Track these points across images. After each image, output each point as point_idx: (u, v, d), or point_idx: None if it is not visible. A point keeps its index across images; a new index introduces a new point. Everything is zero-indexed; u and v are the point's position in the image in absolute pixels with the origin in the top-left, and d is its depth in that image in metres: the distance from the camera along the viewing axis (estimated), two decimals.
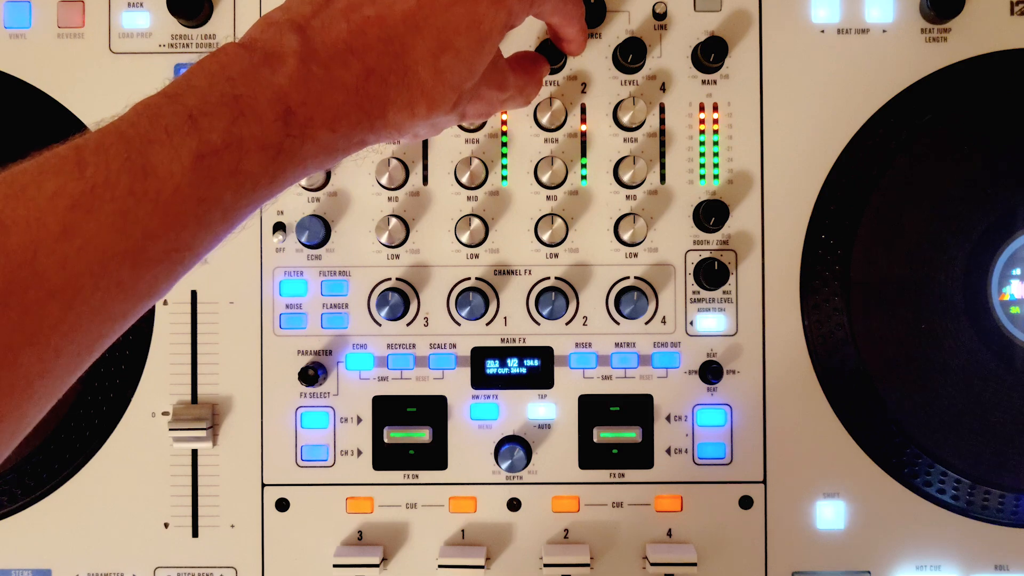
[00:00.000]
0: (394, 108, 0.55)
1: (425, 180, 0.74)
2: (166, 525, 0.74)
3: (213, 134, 0.48)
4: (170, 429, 0.73)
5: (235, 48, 0.52)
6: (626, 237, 0.73)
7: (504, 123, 0.74)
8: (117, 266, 0.45)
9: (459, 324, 0.74)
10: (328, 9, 0.54)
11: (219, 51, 0.52)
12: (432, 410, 0.74)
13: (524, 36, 0.74)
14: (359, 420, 0.74)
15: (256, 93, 0.50)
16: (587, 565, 0.72)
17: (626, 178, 0.73)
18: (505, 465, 0.73)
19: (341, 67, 0.53)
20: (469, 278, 0.74)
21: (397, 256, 0.74)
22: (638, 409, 0.74)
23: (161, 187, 0.46)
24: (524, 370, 0.74)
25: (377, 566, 0.72)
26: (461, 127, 0.74)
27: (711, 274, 0.72)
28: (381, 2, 0.55)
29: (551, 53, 0.72)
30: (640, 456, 0.74)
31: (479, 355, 0.74)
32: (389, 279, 0.74)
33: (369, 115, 0.54)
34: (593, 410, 0.74)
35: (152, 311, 0.74)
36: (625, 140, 0.74)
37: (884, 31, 0.74)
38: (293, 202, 0.74)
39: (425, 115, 0.56)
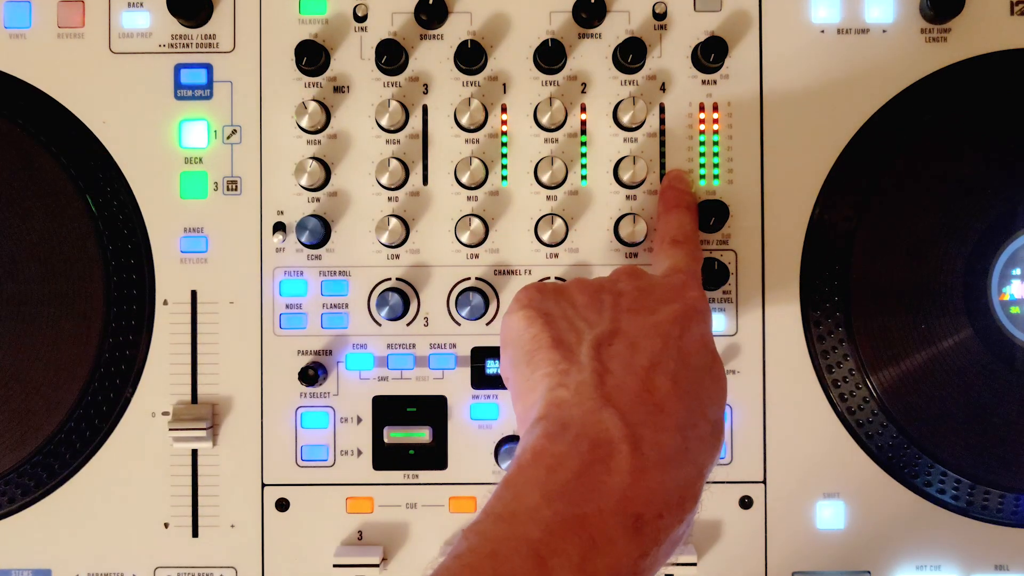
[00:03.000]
0: (709, 454, 0.52)
1: (425, 180, 0.74)
2: (166, 525, 0.74)
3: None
4: (170, 429, 0.73)
5: (551, 440, 0.47)
6: (626, 237, 0.73)
7: (504, 123, 0.74)
8: None
9: (459, 324, 0.74)
10: (613, 368, 0.52)
11: (537, 443, 0.47)
12: (432, 410, 0.74)
13: (525, 39, 0.74)
14: (359, 420, 0.74)
15: (600, 507, 0.45)
16: None
17: (626, 178, 0.73)
18: (506, 465, 0.73)
19: (663, 431, 0.49)
20: (469, 278, 0.74)
21: (397, 256, 0.74)
22: None
23: None
24: None
25: (377, 566, 0.72)
26: (460, 126, 0.74)
27: (711, 274, 0.72)
28: (659, 347, 0.54)
29: (552, 53, 0.72)
30: None
31: (479, 355, 0.74)
32: (389, 279, 0.74)
33: (701, 473, 0.51)
34: None
35: (152, 311, 0.74)
36: (625, 140, 0.74)
37: (884, 31, 0.74)
38: (293, 202, 0.74)
39: (720, 449, 0.54)
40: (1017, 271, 0.72)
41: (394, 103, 0.73)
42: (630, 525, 0.45)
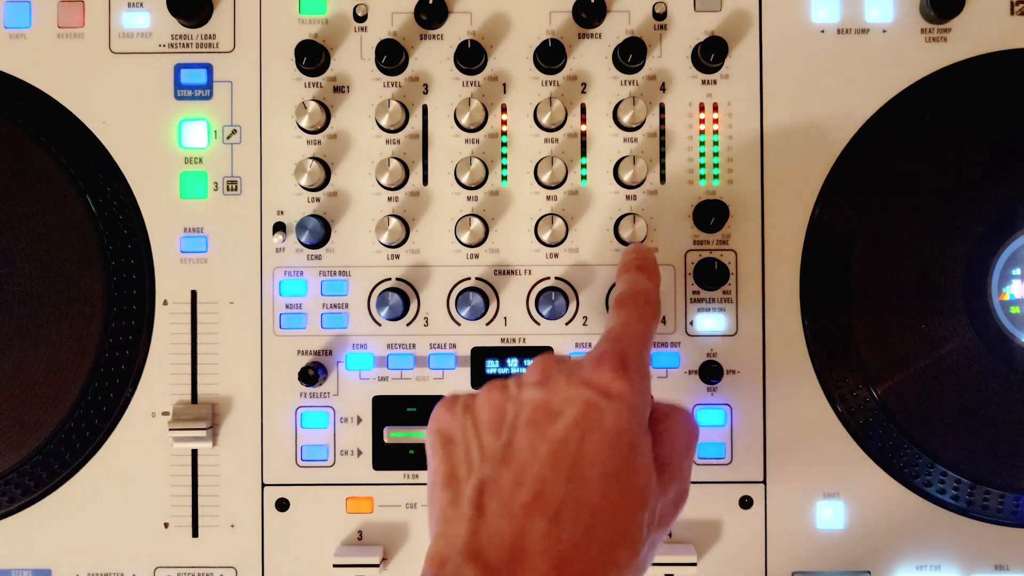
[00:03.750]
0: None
1: (425, 180, 0.74)
2: (166, 525, 0.74)
3: None
4: (170, 429, 0.73)
5: None
6: (626, 237, 0.73)
7: (504, 123, 0.74)
8: None
9: (459, 324, 0.74)
10: (490, 513, 0.51)
11: None
12: (432, 410, 0.74)
13: (525, 39, 0.74)
14: (359, 420, 0.74)
15: None
16: None
17: (626, 178, 0.73)
18: None
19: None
20: (469, 278, 0.74)
21: (397, 256, 0.74)
22: None
23: None
24: (524, 370, 0.74)
25: (377, 566, 0.72)
26: (460, 126, 0.74)
27: (711, 274, 0.72)
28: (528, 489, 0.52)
29: (552, 54, 0.72)
30: None
31: (479, 355, 0.74)
32: (389, 279, 0.74)
33: None
34: None
35: (152, 311, 0.74)
36: (625, 140, 0.74)
37: (884, 31, 0.74)
38: (293, 202, 0.74)
39: (631, 561, 0.53)
40: (1017, 271, 0.72)
41: (394, 103, 0.73)
42: None
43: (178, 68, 0.74)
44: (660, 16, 0.74)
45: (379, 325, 0.74)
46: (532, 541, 0.50)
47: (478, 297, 0.73)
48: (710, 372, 0.73)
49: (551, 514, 0.51)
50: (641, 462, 0.54)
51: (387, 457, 0.74)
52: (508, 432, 0.55)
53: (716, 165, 0.74)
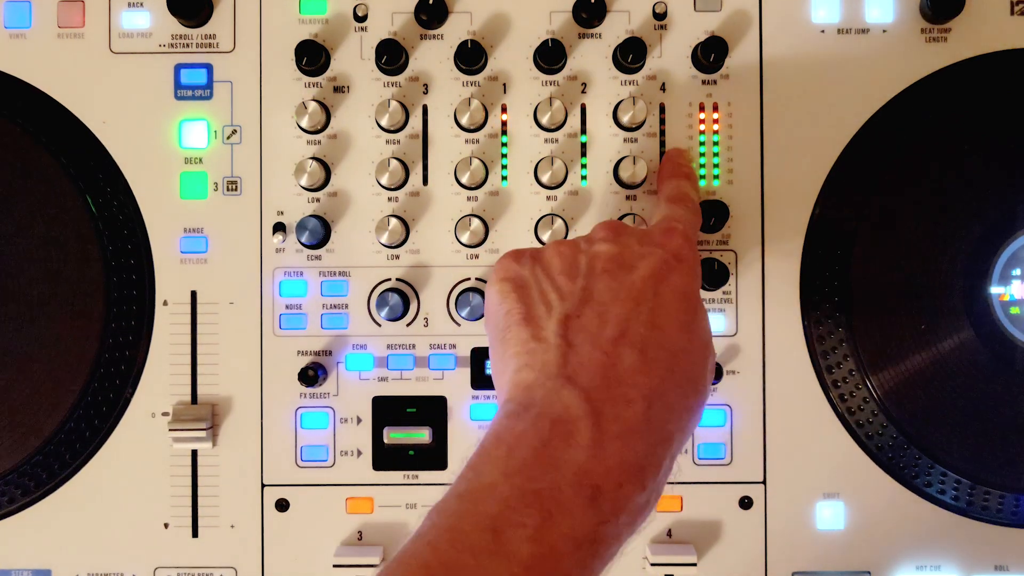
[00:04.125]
0: (678, 420, 0.52)
1: (425, 180, 0.74)
2: (166, 525, 0.74)
3: (522, 547, 0.43)
4: (170, 429, 0.73)
5: (514, 419, 0.48)
6: None
7: (504, 123, 0.74)
8: None
9: (459, 324, 0.74)
10: (578, 344, 0.52)
11: (500, 424, 0.49)
12: (432, 410, 0.74)
13: (525, 39, 0.74)
14: (359, 420, 0.74)
15: (557, 482, 0.46)
16: None
17: (626, 178, 0.73)
18: None
19: (625, 404, 0.50)
20: (469, 278, 0.74)
21: (397, 256, 0.74)
22: None
23: None
24: None
25: (377, 566, 0.72)
26: (460, 126, 0.74)
27: (711, 274, 0.72)
28: (615, 313, 0.53)
29: (554, 54, 0.72)
30: None
31: (479, 355, 0.74)
32: (389, 279, 0.74)
33: (667, 440, 0.51)
34: None
35: (152, 311, 0.74)
36: (625, 140, 0.74)
37: (884, 31, 0.74)
38: (293, 202, 0.74)
39: (698, 408, 0.54)
40: (1017, 271, 0.72)
41: (394, 103, 0.73)
42: (587, 495, 0.46)
43: (178, 68, 0.74)
44: (660, 16, 0.74)
45: (379, 325, 0.74)
46: (623, 370, 0.51)
47: (478, 297, 0.73)
48: None
49: (640, 345, 0.52)
50: (703, 319, 0.57)
51: (387, 457, 0.74)
52: (584, 278, 0.56)
53: (716, 165, 0.74)
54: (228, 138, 0.74)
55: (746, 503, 0.74)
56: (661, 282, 0.56)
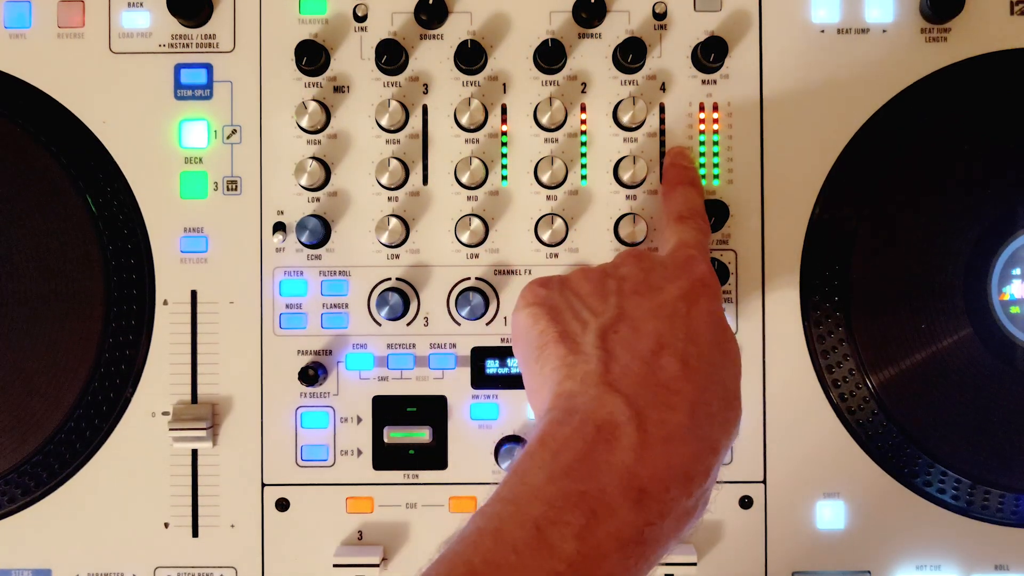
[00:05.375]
0: (722, 430, 0.52)
1: (425, 180, 0.74)
2: (166, 525, 0.74)
3: (566, 544, 0.44)
4: (170, 429, 0.73)
5: (557, 426, 0.48)
6: (626, 237, 0.73)
7: (504, 123, 0.74)
8: None
9: (459, 324, 0.74)
10: (618, 353, 0.52)
11: (544, 430, 0.48)
12: (432, 410, 0.74)
13: (525, 39, 0.74)
14: (359, 420, 0.74)
15: (603, 483, 0.46)
16: None
17: (626, 178, 0.73)
18: (505, 465, 0.73)
19: (669, 410, 0.50)
20: (469, 278, 0.74)
21: (397, 256, 0.74)
22: None
23: None
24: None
25: (377, 566, 0.72)
26: (460, 126, 0.74)
27: None
28: (664, 326, 0.54)
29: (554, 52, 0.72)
30: None
31: (479, 355, 0.74)
32: (389, 279, 0.74)
33: (714, 449, 0.51)
34: None
35: (152, 311, 0.74)
36: (625, 140, 0.74)
37: (884, 31, 0.74)
38: (293, 202, 0.74)
39: (737, 423, 0.55)
40: (1017, 271, 0.72)
41: (394, 103, 0.73)
42: (633, 497, 0.46)
43: (178, 68, 0.74)
44: (660, 16, 0.74)
45: (379, 325, 0.74)
46: (666, 378, 0.51)
47: (478, 297, 0.73)
48: None
49: (679, 355, 0.52)
50: (734, 342, 0.58)
51: (387, 457, 0.74)
52: (615, 298, 0.57)
53: (716, 165, 0.74)
54: (228, 138, 0.74)
55: (746, 503, 0.74)
56: (692, 304, 0.57)
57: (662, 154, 0.74)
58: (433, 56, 0.74)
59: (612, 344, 0.53)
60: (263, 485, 0.74)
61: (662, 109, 0.74)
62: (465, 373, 0.74)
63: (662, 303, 0.56)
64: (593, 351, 0.53)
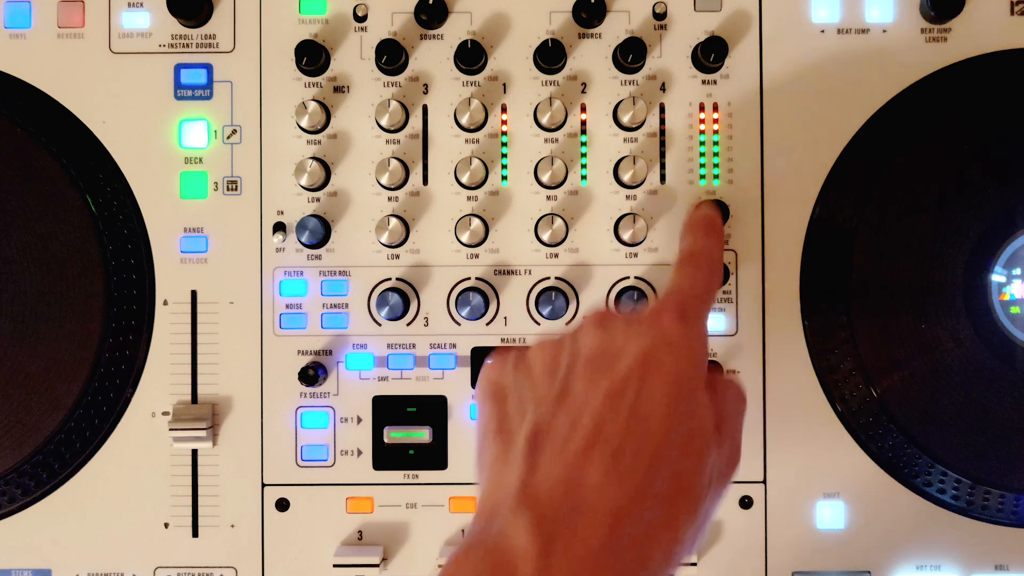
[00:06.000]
0: (671, 525, 0.49)
1: (425, 180, 0.74)
2: (166, 525, 0.74)
3: None
4: (170, 429, 0.73)
5: (462, 558, 0.46)
6: (626, 237, 0.73)
7: (504, 123, 0.74)
8: None
9: (459, 324, 0.74)
10: (543, 462, 0.49)
11: (446, 570, 0.46)
12: (432, 410, 0.74)
13: (525, 39, 0.74)
14: (359, 420, 0.74)
15: None
16: None
17: (626, 178, 0.73)
18: None
19: (585, 529, 0.47)
20: (469, 278, 0.74)
21: (397, 256, 0.74)
22: None
23: None
24: None
25: (377, 566, 0.72)
26: (460, 127, 0.74)
27: None
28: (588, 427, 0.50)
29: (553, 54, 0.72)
30: None
31: (479, 355, 0.74)
32: (389, 279, 0.74)
33: (643, 563, 0.47)
34: None
35: (152, 311, 0.74)
36: (625, 140, 0.74)
37: (884, 31, 0.74)
38: (293, 202, 0.74)
39: (697, 511, 0.51)
40: (1017, 271, 0.72)
41: (394, 103, 0.73)
42: None
43: (178, 68, 0.74)
44: (660, 16, 0.74)
45: (379, 325, 0.74)
46: (590, 485, 0.48)
47: (478, 297, 0.73)
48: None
49: (612, 450, 0.49)
50: (701, 409, 0.53)
51: (387, 457, 0.74)
52: (564, 375, 0.53)
53: (716, 165, 0.74)
54: (228, 138, 0.74)
55: (746, 503, 0.74)
56: (647, 372, 0.52)
57: (662, 154, 0.74)
58: (433, 56, 0.74)
59: (541, 446, 0.50)
60: (263, 485, 0.75)
61: (662, 109, 0.74)
62: (465, 373, 0.74)
63: (612, 378, 0.52)
64: (519, 457, 0.50)
